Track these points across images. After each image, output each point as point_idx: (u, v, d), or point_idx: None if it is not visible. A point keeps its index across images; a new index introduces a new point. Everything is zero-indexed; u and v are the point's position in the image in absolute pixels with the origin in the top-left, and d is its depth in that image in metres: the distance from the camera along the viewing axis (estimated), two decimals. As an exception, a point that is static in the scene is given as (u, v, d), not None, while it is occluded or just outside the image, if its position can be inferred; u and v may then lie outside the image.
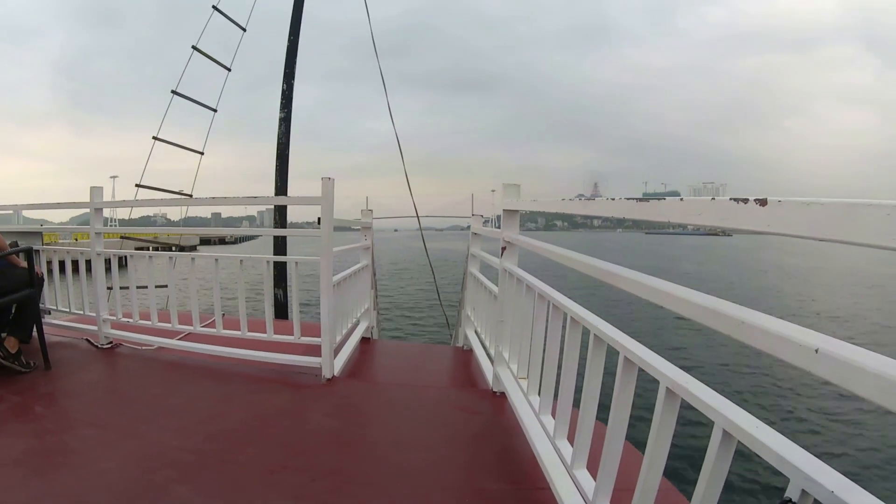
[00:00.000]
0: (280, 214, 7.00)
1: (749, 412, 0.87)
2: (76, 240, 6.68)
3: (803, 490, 0.71)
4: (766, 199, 0.72)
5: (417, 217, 8.18)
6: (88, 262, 3.52)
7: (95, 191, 3.48)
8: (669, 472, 1.25)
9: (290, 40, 7.16)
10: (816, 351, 0.64)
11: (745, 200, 0.76)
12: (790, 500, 0.68)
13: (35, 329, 3.05)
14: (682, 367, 1.04)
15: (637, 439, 1.45)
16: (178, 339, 3.33)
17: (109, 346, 3.49)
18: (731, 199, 0.80)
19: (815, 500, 0.69)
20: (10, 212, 4.27)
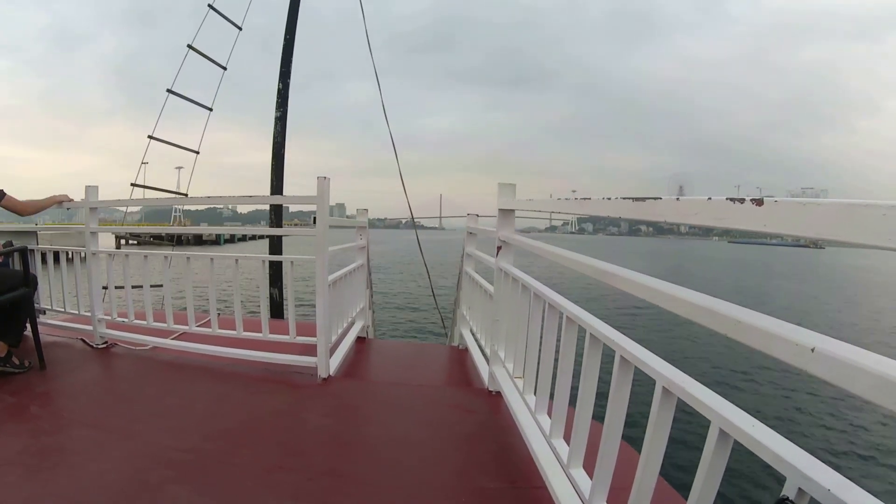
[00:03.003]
0: (276, 214, 6.97)
1: (747, 412, 0.87)
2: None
3: (800, 488, 0.71)
4: (762, 198, 0.72)
5: (412, 218, 8.19)
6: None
7: (91, 190, 3.46)
8: (667, 472, 1.25)
9: (286, 39, 7.09)
10: (813, 350, 0.65)
11: (742, 200, 0.76)
12: (787, 499, 0.68)
13: (30, 329, 3.02)
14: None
15: (634, 438, 1.45)
16: (174, 339, 3.32)
17: (105, 345, 3.47)
18: (727, 198, 0.80)
19: (812, 498, 0.69)
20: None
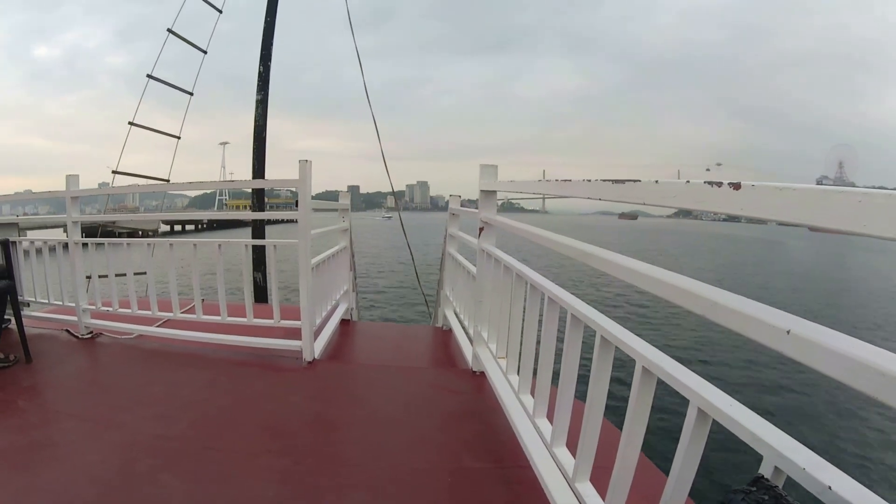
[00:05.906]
0: (258, 198, 6.86)
1: (737, 398, 0.88)
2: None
3: (776, 467, 0.73)
4: (739, 182, 0.72)
5: (396, 203, 8.14)
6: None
7: (71, 179, 3.40)
8: (654, 451, 1.26)
9: (266, 21, 6.85)
10: (788, 332, 0.66)
11: (720, 184, 0.76)
12: (762, 477, 0.70)
13: (15, 322, 3.00)
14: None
15: (617, 417, 1.47)
16: (158, 326, 3.30)
17: (90, 336, 3.44)
18: (705, 182, 0.80)
19: (788, 476, 0.71)
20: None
